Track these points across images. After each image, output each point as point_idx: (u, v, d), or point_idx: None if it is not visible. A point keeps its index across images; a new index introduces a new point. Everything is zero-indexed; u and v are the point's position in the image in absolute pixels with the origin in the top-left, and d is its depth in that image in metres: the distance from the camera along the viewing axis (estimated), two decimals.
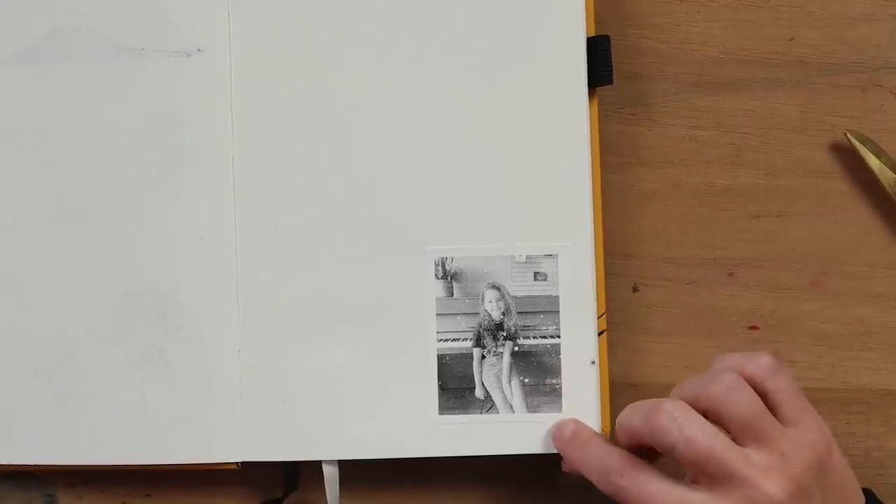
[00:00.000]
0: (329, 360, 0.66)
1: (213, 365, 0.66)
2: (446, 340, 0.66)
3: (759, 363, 0.58)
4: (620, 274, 0.70)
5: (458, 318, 0.66)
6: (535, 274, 0.66)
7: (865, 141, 0.69)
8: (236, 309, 0.66)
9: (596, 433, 0.63)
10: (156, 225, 0.66)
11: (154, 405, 0.66)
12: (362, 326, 0.66)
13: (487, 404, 0.66)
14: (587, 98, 0.66)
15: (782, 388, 0.57)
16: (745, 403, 0.56)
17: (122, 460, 0.66)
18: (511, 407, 0.65)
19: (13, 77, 0.67)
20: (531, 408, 0.65)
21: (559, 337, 0.65)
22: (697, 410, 0.56)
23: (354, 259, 0.66)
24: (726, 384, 0.57)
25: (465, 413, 0.66)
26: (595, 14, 0.67)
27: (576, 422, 0.63)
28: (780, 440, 0.56)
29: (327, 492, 0.67)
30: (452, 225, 0.66)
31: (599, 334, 0.66)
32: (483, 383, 0.66)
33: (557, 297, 0.66)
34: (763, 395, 0.57)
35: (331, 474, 0.67)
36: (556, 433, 0.63)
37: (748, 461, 0.55)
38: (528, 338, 0.66)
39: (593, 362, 0.66)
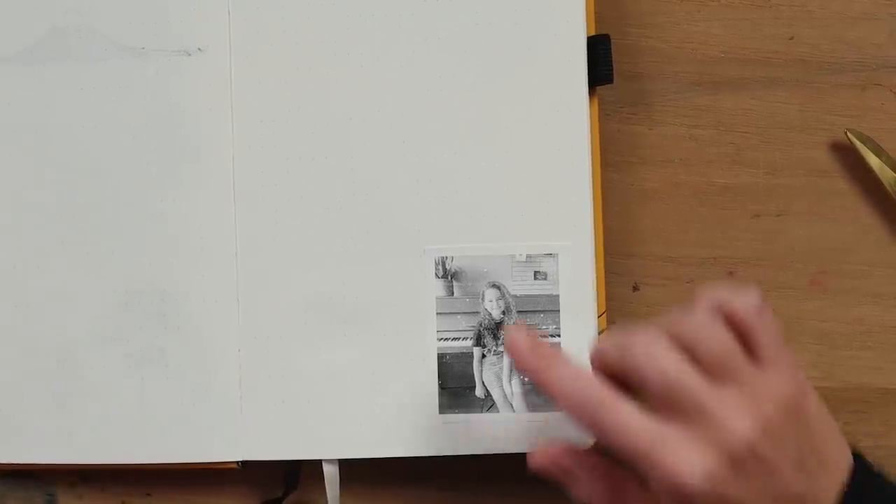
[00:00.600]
0: (329, 359, 0.66)
1: (214, 364, 0.66)
2: (446, 339, 0.66)
3: (744, 301, 0.55)
4: (621, 273, 0.70)
5: (459, 317, 0.66)
6: (536, 273, 0.66)
7: (865, 140, 0.69)
8: (236, 308, 0.66)
9: (553, 349, 0.58)
10: (156, 224, 0.66)
11: (154, 404, 0.66)
12: (362, 326, 0.66)
13: (487, 403, 0.66)
14: (587, 97, 0.66)
15: (763, 329, 0.55)
16: (718, 341, 0.54)
17: (122, 459, 0.66)
18: (511, 406, 0.66)
19: (13, 77, 0.67)
20: (531, 407, 0.65)
21: (559, 336, 0.66)
22: (673, 346, 0.55)
23: (354, 258, 0.66)
24: (701, 321, 0.55)
25: (465, 412, 0.66)
26: (595, 13, 0.67)
27: (528, 331, 0.59)
28: (752, 380, 0.54)
29: (327, 491, 0.67)
30: (452, 224, 0.66)
31: (599, 333, 0.66)
32: (483, 382, 0.66)
33: (557, 296, 0.66)
34: (743, 333, 0.55)
35: (331, 473, 0.67)
36: (513, 343, 0.58)
37: (719, 398, 0.53)
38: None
39: None
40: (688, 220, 0.70)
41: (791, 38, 0.70)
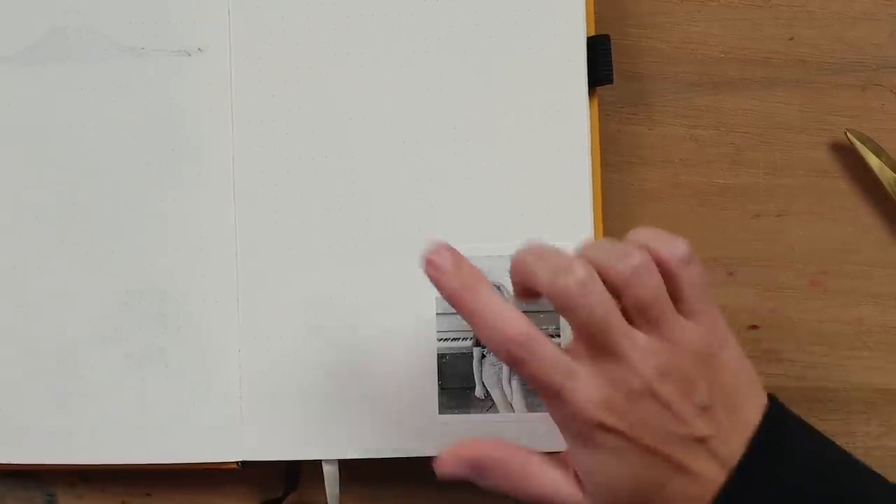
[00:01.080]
0: (329, 359, 0.66)
1: (214, 364, 0.66)
2: (446, 340, 0.66)
3: (674, 249, 0.56)
4: None
5: (459, 317, 0.66)
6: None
7: (865, 140, 0.69)
8: (236, 308, 0.66)
9: (478, 270, 0.58)
10: (156, 224, 0.66)
11: (154, 404, 0.66)
12: (363, 326, 0.66)
13: (487, 404, 0.66)
14: (587, 97, 0.66)
15: (690, 280, 0.56)
16: (648, 288, 0.55)
17: (122, 459, 0.66)
18: (511, 406, 0.65)
19: (13, 77, 0.67)
20: (531, 407, 0.65)
21: (559, 336, 0.65)
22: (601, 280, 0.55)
23: (355, 259, 0.66)
24: (636, 264, 0.55)
25: (465, 412, 0.66)
26: (595, 13, 0.67)
27: (451, 250, 0.57)
28: (671, 328, 0.55)
29: (327, 491, 0.67)
30: (452, 224, 0.66)
31: None
32: (483, 383, 0.66)
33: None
34: (669, 280, 0.56)
35: (331, 474, 0.67)
36: (435, 262, 0.57)
37: (633, 341, 0.54)
38: None
39: None
40: (688, 220, 0.70)
41: (791, 39, 0.70)
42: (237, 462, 0.66)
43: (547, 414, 0.63)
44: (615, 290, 0.55)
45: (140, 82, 0.67)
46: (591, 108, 0.66)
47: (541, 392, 0.56)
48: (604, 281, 0.55)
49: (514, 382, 0.65)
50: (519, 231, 0.66)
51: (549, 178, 0.66)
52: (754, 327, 0.70)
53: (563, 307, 0.55)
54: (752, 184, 0.70)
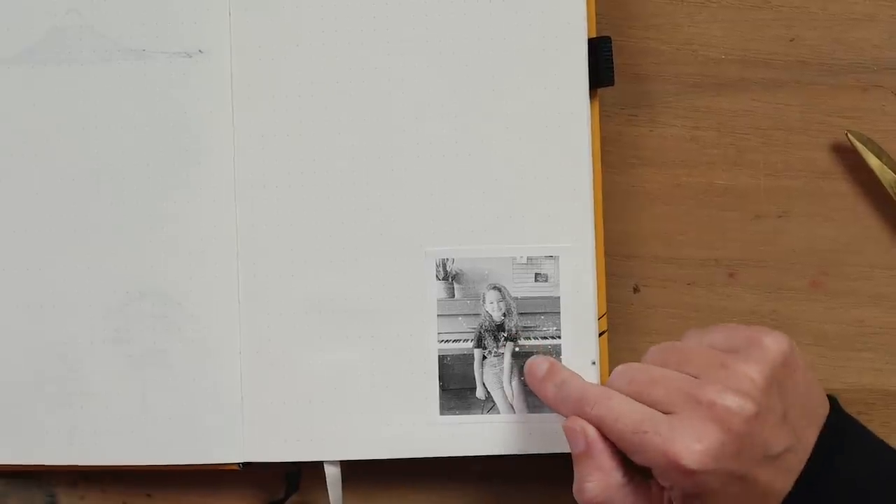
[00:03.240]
0: (330, 360, 0.66)
1: (215, 366, 0.66)
2: (447, 341, 0.66)
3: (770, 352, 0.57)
4: (621, 274, 0.70)
5: (460, 318, 0.66)
6: (536, 275, 0.66)
7: (866, 141, 0.69)
8: (238, 310, 0.66)
9: (572, 372, 0.62)
10: (157, 226, 0.66)
11: (155, 405, 0.66)
12: (363, 327, 0.66)
13: (488, 405, 0.66)
14: (588, 99, 0.66)
15: (712, 335, 0.59)
16: (696, 350, 0.58)
17: (123, 460, 0.66)
18: (512, 407, 0.66)
19: (14, 77, 0.67)
20: (532, 408, 0.65)
21: (560, 338, 0.66)
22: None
23: (356, 260, 0.66)
24: (659, 347, 0.59)
25: (465, 413, 0.66)
26: (596, 15, 0.67)
27: (550, 360, 0.62)
28: (733, 362, 0.56)
29: (329, 492, 0.67)
30: (454, 226, 0.66)
31: (600, 335, 0.66)
32: (484, 384, 0.66)
33: (558, 298, 0.66)
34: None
35: (333, 475, 0.67)
36: (531, 370, 0.62)
37: (704, 385, 0.56)
38: (528, 339, 0.66)
39: (594, 363, 0.66)
40: (688, 221, 0.70)
41: (792, 40, 0.70)
42: (238, 463, 0.66)
43: (547, 414, 0.64)
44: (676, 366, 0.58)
45: (141, 84, 0.67)
46: (592, 109, 0.66)
47: (629, 451, 0.57)
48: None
49: (515, 383, 0.66)
50: (520, 233, 0.66)
51: (550, 178, 0.66)
52: None
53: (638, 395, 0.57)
54: (753, 185, 0.70)
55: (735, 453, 0.55)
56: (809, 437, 0.57)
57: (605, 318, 0.66)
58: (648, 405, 0.56)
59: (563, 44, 0.66)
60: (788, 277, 0.70)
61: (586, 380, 0.60)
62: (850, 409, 0.69)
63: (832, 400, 0.59)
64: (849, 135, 0.69)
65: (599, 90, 0.67)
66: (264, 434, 0.66)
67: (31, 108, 0.67)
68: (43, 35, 0.67)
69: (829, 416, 0.58)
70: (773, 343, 0.57)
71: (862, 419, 0.67)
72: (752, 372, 0.56)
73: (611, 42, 0.67)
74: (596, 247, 0.66)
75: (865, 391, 0.69)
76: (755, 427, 0.55)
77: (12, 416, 0.66)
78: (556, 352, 0.65)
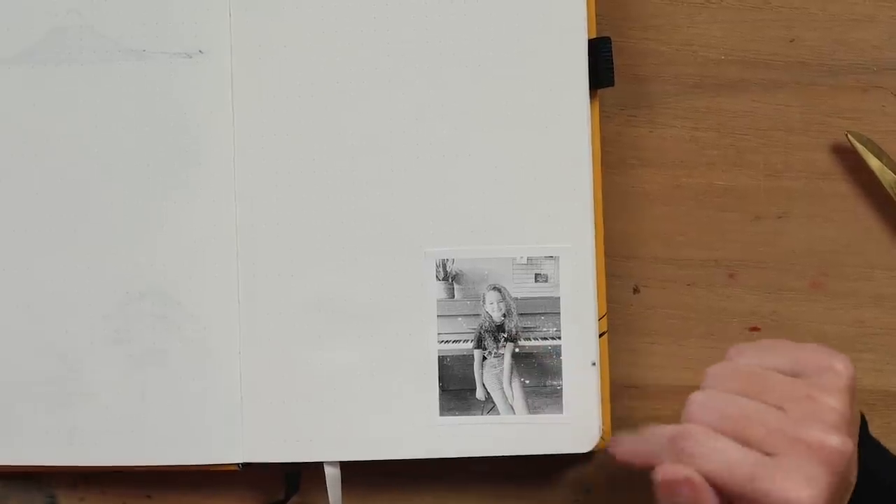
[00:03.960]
0: (330, 360, 0.66)
1: (214, 366, 0.66)
2: (447, 342, 0.66)
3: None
4: (621, 275, 0.70)
5: (459, 319, 0.66)
6: (536, 276, 0.66)
7: (866, 142, 0.69)
8: (237, 310, 0.66)
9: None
10: (157, 226, 0.66)
11: (155, 406, 0.66)
12: (363, 328, 0.66)
13: (488, 406, 0.66)
14: (588, 99, 0.66)
15: (768, 354, 0.57)
16: (778, 386, 0.56)
17: (122, 461, 0.66)
18: (512, 408, 0.66)
19: (14, 78, 0.67)
20: (532, 409, 0.65)
21: (560, 338, 0.66)
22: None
23: (356, 260, 0.66)
24: (711, 373, 0.57)
25: (465, 414, 0.66)
26: (596, 15, 0.67)
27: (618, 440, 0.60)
28: (801, 389, 0.55)
29: (329, 493, 0.67)
30: (454, 226, 0.66)
31: (600, 335, 0.66)
32: (484, 385, 0.66)
33: (558, 298, 0.66)
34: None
35: (333, 475, 0.67)
36: (614, 444, 0.61)
37: (794, 421, 0.54)
38: (528, 339, 0.66)
39: (594, 364, 0.66)
40: (688, 222, 0.70)
41: (792, 41, 0.70)
42: (238, 463, 0.66)
43: (547, 415, 0.63)
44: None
45: (141, 84, 0.67)
46: (592, 109, 0.66)
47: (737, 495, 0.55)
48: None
49: (515, 384, 0.66)
50: (520, 233, 0.66)
51: (551, 179, 0.66)
52: (755, 329, 0.70)
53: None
54: (753, 186, 0.70)
55: (837, 491, 0.54)
56: (855, 443, 0.57)
57: (605, 318, 0.66)
58: (746, 444, 0.55)
59: (563, 44, 0.66)
60: (788, 278, 0.70)
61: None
62: None
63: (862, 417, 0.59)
64: (849, 135, 0.69)
65: (599, 91, 0.67)
66: (264, 434, 0.66)
67: (31, 108, 0.67)
68: (43, 35, 0.67)
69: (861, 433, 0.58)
70: (845, 368, 0.56)
71: None
72: (837, 404, 0.55)
73: (611, 43, 0.67)
74: (596, 247, 0.66)
75: (866, 392, 0.69)
76: (852, 462, 0.55)
77: (12, 416, 0.66)
78: (555, 352, 0.65)
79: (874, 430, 0.60)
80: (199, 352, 0.66)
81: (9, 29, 0.67)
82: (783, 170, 0.70)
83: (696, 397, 0.56)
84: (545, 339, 0.66)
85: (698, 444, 0.55)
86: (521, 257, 0.66)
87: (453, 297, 0.66)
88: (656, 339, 0.70)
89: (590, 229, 0.66)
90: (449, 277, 0.66)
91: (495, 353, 0.66)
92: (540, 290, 0.66)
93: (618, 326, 0.69)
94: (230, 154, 0.66)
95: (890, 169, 0.69)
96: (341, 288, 0.66)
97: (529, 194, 0.66)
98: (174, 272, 0.66)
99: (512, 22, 0.66)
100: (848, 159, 0.70)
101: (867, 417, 0.60)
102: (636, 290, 0.70)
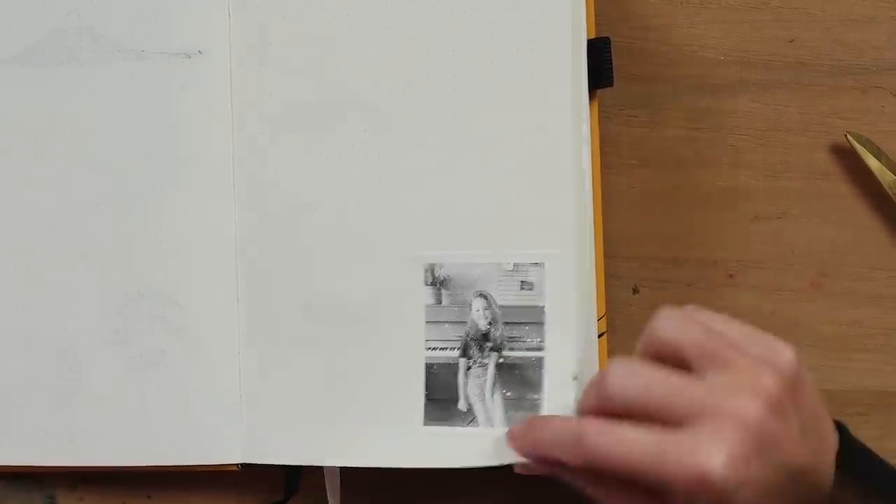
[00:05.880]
0: (327, 363, 0.66)
1: (214, 367, 0.66)
2: (434, 349, 0.65)
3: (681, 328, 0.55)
4: (621, 275, 0.70)
5: (447, 326, 0.65)
6: (522, 283, 0.65)
7: (865, 142, 0.69)
8: (236, 311, 0.66)
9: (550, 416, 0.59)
10: (156, 226, 0.66)
11: (154, 406, 0.66)
12: (356, 332, 0.65)
13: (469, 416, 0.65)
14: (588, 100, 0.66)
15: (721, 319, 0.56)
16: (695, 332, 0.54)
17: (122, 461, 0.66)
18: (491, 421, 0.64)
19: (14, 79, 0.67)
20: (511, 422, 0.64)
21: (543, 350, 0.64)
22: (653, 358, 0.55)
23: (352, 262, 0.66)
24: (666, 316, 0.55)
25: (448, 424, 0.65)
26: (596, 16, 0.67)
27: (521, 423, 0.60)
28: (741, 359, 0.54)
29: (329, 493, 0.67)
30: (453, 227, 0.65)
31: (599, 336, 0.66)
32: (467, 395, 0.64)
33: (543, 307, 0.65)
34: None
35: (333, 475, 0.67)
36: (511, 436, 0.60)
37: (714, 389, 0.53)
38: (512, 349, 0.64)
39: (575, 378, 0.65)
40: (688, 222, 0.70)
41: (791, 41, 0.70)
42: (237, 464, 0.66)
43: None
44: (671, 356, 0.54)
45: (141, 84, 0.67)
46: (591, 110, 0.66)
47: (639, 479, 0.53)
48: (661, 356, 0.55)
49: (497, 395, 0.64)
50: (520, 233, 0.66)
51: (550, 180, 0.66)
52: None
53: (624, 409, 0.54)
54: (752, 186, 0.70)
55: (784, 487, 0.52)
56: (827, 463, 0.55)
57: (604, 319, 0.66)
58: (667, 419, 0.53)
59: (562, 44, 0.66)
60: (788, 278, 0.70)
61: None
62: (850, 410, 0.69)
63: (842, 427, 0.57)
64: (848, 136, 0.69)
65: (599, 91, 0.67)
66: (263, 435, 0.66)
67: (31, 108, 0.67)
68: (43, 36, 0.67)
69: (840, 443, 0.56)
70: (790, 358, 0.54)
71: (861, 420, 0.67)
72: (773, 385, 0.53)
73: (610, 43, 0.67)
74: (595, 248, 0.66)
75: (865, 392, 0.69)
76: (776, 430, 0.52)
77: (11, 416, 0.67)
78: (538, 364, 0.64)
79: (874, 430, 0.60)
80: (198, 352, 0.66)
81: (9, 29, 0.67)
82: (782, 170, 0.70)
83: (614, 367, 0.55)
84: (529, 349, 0.64)
85: (596, 441, 0.53)
86: (508, 263, 0.65)
87: (441, 303, 0.65)
88: None
89: (589, 229, 0.65)
90: (437, 282, 0.65)
91: (480, 363, 0.65)
92: (525, 298, 0.65)
93: (617, 327, 0.69)
94: (229, 154, 0.66)
95: (889, 169, 0.69)
96: (339, 289, 0.66)
97: (529, 195, 0.65)
98: (173, 273, 0.66)
99: (511, 22, 0.66)
100: (847, 159, 0.70)
101: (866, 418, 0.60)
102: (636, 291, 0.70)
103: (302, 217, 0.66)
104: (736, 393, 0.53)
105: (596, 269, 0.66)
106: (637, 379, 0.54)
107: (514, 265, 0.65)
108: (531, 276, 0.65)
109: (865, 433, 0.68)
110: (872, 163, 0.69)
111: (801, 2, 0.70)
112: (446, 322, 0.65)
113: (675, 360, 0.55)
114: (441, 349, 0.65)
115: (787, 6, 0.70)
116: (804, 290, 0.70)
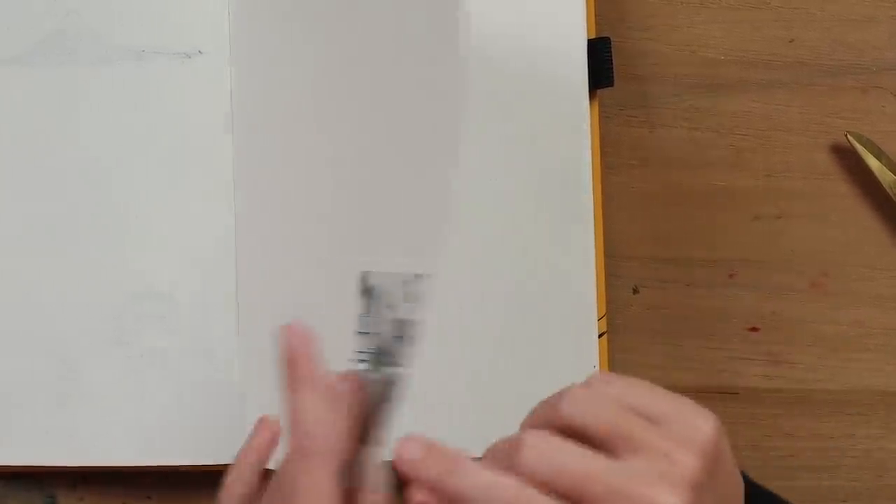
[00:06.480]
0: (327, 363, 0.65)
1: (214, 366, 0.66)
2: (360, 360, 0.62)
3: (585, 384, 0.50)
4: (621, 275, 0.70)
5: (371, 336, 0.61)
6: (407, 295, 0.58)
7: (866, 142, 0.69)
8: (236, 311, 0.66)
9: (451, 451, 0.51)
10: (155, 226, 0.66)
11: (155, 406, 0.66)
12: (331, 338, 0.64)
13: None
14: (588, 100, 0.66)
15: (634, 390, 0.50)
16: (606, 412, 0.50)
17: (122, 461, 0.66)
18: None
19: (13, 79, 0.67)
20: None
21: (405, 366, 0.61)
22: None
23: (352, 262, 0.66)
24: (573, 396, 0.50)
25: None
26: (596, 16, 0.67)
27: (418, 439, 0.52)
28: (657, 441, 0.50)
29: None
30: (452, 228, 0.65)
31: (600, 336, 0.66)
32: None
33: (413, 321, 0.58)
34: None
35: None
36: (402, 454, 0.52)
37: (630, 478, 0.49)
38: (400, 366, 0.60)
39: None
40: (688, 222, 0.70)
41: (791, 41, 0.70)
42: None
43: None
44: (580, 437, 0.50)
45: (140, 85, 0.67)
46: (591, 110, 0.66)
47: None
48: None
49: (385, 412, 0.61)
50: (520, 233, 0.66)
51: (550, 180, 0.66)
52: (754, 329, 0.70)
53: (539, 485, 0.49)
54: (752, 186, 0.70)
55: None
56: None
57: (604, 319, 0.66)
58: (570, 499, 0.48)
59: (562, 45, 0.66)
60: (788, 278, 0.70)
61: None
62: (850, 411, 0.69)
63: (744, 476, 0.53)
64: (848, 136, 0.69)
65: (599, 91, 0.67)
66: None
67: (30, 108, 0.67)
68: (43, 36, 0.67)
69: (746, 495, 0.53)
70: (709, 429, 0.50)
71: (862, 421, 0.67)
72: (691, 462, 0.49)
73: (610, 43, 0.67)
74: (595, 248, 0.66)
75: (865, 392, 0.69)
76: None
77: (11, 416, 0.66)
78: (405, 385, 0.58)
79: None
80: (198, 352, 0.66)
81: (9, 30, 0.67)
82: (782, 170, 0.70)
83: (531, 439, 0.50)
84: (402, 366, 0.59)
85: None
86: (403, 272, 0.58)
87: (368, 313, 0.61)
88: (656, 339, 0.70)
89: (590, 230, 0.65)
90: (367, 291, 0.61)
91: (377, 378, 0.61)
92: (412, 312, 0.61)
93: (617, 327, 0.69)
94: (229, 154, 0.66)
95: (889, 169, 0.69)
96: (338, 290, 0.65)
97: (529, 195, 0.65)
98: (173, 273, 0.66)
99: (511, 22, 0.66)
100: (847, 159, 0.70)
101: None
102: (636, 291, 0.70)
103: (303, 217, 0.66)
104: (652, 483, 0.49)
105: (596, 269, 0.66)
106: (553, 456, 0.49)
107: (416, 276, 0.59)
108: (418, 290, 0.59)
109: (866, 433, 0.68)
110: (873, 163, 0.69)
111: (801, 2, 0.70)
112: (372, 333, 0.61)
113: (584, 440, 0.50)
114: (360, 361, 0.61)
115: (787, 6, 0.70)
116: (804, 290, 0.70)
